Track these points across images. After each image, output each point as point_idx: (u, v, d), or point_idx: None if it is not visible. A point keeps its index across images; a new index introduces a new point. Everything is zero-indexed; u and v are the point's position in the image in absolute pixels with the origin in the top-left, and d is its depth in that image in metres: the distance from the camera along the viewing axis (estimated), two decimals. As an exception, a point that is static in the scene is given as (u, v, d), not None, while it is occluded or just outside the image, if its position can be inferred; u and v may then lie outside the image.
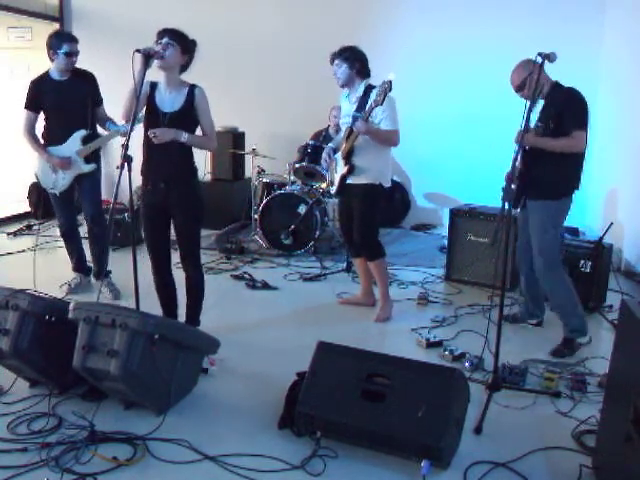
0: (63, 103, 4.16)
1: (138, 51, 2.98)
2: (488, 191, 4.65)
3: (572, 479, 2.40)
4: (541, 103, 3.50)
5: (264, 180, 6.16)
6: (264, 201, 5.78)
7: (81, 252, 4.61)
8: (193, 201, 3.42)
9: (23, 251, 5.63)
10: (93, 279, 4.59)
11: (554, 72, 3.37)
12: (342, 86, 3.94)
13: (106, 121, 4.31)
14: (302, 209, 5.57)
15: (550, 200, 3.48)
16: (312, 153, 5.58)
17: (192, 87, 3.30)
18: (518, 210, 3.69)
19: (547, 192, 3.47)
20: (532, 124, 3.34)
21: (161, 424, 2.71)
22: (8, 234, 6.29)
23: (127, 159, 2.92)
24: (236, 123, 6.76)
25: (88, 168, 4.30)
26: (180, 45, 3.20)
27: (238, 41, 7.01)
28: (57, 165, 4.22)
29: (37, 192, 6.92)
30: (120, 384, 2.64)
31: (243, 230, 6.54)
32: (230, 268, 5.24)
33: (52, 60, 4.14)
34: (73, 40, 4.16)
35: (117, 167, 2.90)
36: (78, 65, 4.26)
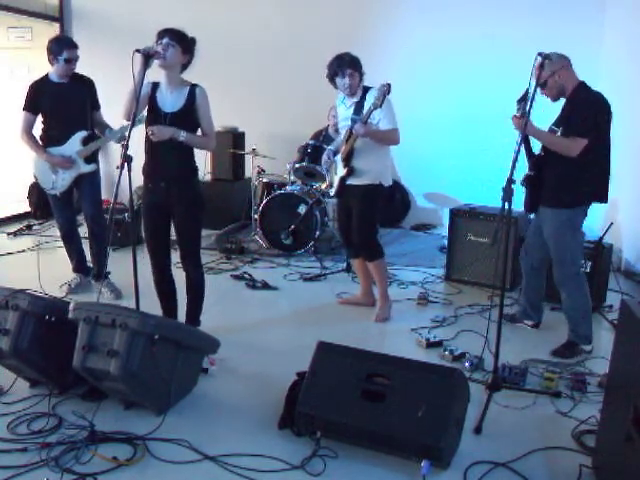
0: (62, 106, 4.18)
1: (138, 51, 2.98)
2: (488, 191, 4.65)
3: (572, 479, 2.40)
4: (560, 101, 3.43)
5: (264, 180, 6.16)
6: (264, 201, 5.78)
7: (81, 253, 4.61)
8: (193, 200, 3.42)
9: (23, 251, 5.63)
10: (92, 281, 4.59)
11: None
12: (352, 95, 3.91)
13: (104, 128, 4.33)
14: (302, 209, 5.57)
15: (559, 209, 3.41)
16: (312, 153, 5.58)
17: (193, 87, 3.30)
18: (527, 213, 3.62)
19: (556, 200, 3.41)
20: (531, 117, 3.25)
21: (161, 424, 2.71)
22: (8, 234, 6.28)
23: (127, 159, 2.92)
24: (236, 123, 6.76)
25: (89, 168, 4.31)
26: (181, 45, 3.20)
27: (238, 41, 7.01)
28: (58, 164, 4.22)
29: (37, 192, 6.90)
30: (120, 384, 2.64)
31: (243, 230, 6.54)
32: (230, 268, 5.24)
33: (52, 64, 4.16)
34: (73, 46, 4.17)
35: (117, 167, 2.90)
36: (79, 65, 4.27)
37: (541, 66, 3.15)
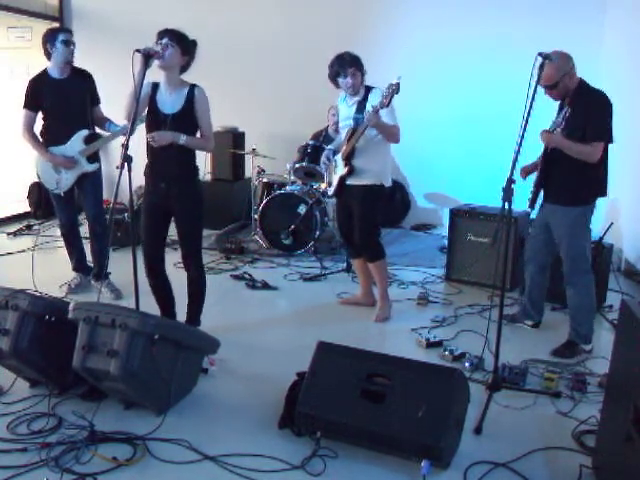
0: (63, 102, 4.15)
1: (138, 51, 2.98)
2: (488, 191, 4.64)
3: (572, 479, 2.40)
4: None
5: (264, 180, 6.16)
6: (264, 201, 5.78)
7: (81, 252, 4.61)
8: (194, 200, 3.42)
9: (23, 251, 5.62)
10: (92, 281, 4.59)
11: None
12: (355, 94, 3.90)
13: (105, 122, 4.31)
14: (302, 209, 5.57)
15: (573, 207, 3.42)
16: (312, 153, 5.58)
17: (192, 87, 3.30)
18: (529, 209, 3.61)
19: (569, 198, 3.41)
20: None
21: (161, 424, 2.71)
22: (8, 234, 6.28)
23: (127, 159, 2.92)
24: (236, 123, 6.76)
25: (92, 167, 4.30)
26: (180, 46, 3.20)
27: (238, 41, 7.01)
28: (61, 165, 4.21)
29: (37, 192, 6.92)
30: (120, 384, 2.64)
31: (243, 230, 6.54)
32: (230, 268, 5.24)
33: (50, 55, 4.10)
34: (68, 31, 4.17)
35: (117, 167, 2.90)
36: (79, 65, 4.26)
37: (541, 67, 3.15)
